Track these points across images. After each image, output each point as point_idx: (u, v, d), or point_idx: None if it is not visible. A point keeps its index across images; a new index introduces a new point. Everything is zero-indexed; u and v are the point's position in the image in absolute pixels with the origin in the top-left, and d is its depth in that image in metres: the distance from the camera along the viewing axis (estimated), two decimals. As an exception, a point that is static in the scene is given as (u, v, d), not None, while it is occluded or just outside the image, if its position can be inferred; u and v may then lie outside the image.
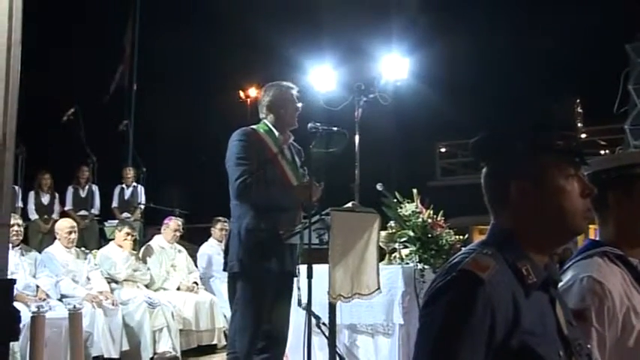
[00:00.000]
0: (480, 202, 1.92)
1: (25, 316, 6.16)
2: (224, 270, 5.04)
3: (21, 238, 7.47)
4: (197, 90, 15.46)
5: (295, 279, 4.90)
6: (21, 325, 5.83)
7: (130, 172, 11.40)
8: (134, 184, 11.36)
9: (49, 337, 6.37)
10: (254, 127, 5.12)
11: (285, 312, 5.10)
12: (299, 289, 4.73)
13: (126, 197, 11.38)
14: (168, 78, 14.49)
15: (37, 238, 10.18)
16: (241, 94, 18.78)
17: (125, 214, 11.08)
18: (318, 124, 5.06)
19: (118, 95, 12.12)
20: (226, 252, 4.96)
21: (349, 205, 5.10)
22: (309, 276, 4.65)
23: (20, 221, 7.57)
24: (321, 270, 4.68)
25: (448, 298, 1.67)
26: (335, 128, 5.16)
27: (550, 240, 1.81)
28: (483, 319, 1.61)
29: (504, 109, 2.03)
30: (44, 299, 6.85)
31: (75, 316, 3.35)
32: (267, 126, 5.13)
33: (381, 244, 5.64)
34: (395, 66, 10.35)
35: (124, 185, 11.48)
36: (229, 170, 4.88)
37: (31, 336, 3.11)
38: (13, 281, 2.17)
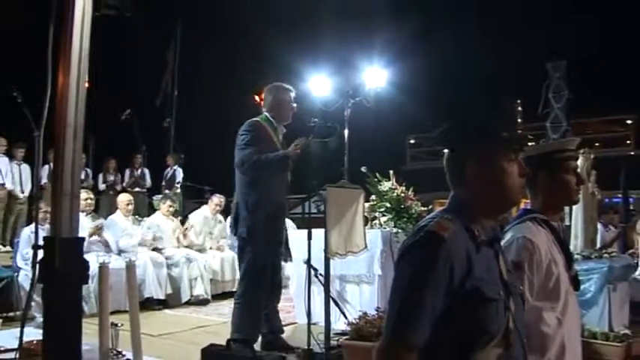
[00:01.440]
0: (441, 181, 1.92)
1: (94, 266, 6.26)
2: (234, 235, 4.97)
3: (92, 208, 7.46)
4: (222, 93, 15.31)
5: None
6: (91, 273, 5.87)
7: (170, 158, 11.45)
8: (175, 167, 11.35)
9: (113, 282, 6.42)
10: (257, 118, 5.05)
11: (280, 266, 5.12)
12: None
13: (168, 177, 11.36)
14: (201, 83, 14.37)
15: (105, 208, 10.17)
16: (256, 97, 18.67)
17: (167, 191, 11.06)
18: (316, 119, 5.12)
19: (164, 99, 12.06)
20: (236, 220, 4.84)
21: (341, 182, 5.08)
22: (309, 238, 4.70)
23: (92, 195, 7.56)
24: (319, 233, 4.71)
25: (417, 253, 1.66)
26: (329, 123, 5.22)
27: (495, 208, 1.80)
28: (444, 268, 1.61)
29: (462, 108, 2.03)
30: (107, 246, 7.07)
31: (130, 267, 3.35)
32: (268, 118, 5.06)
33: (365, 213, 5.67)
34: (376, 76, 10.26)
35: (168, 168, 11.47)
36: (239, 153, 4.74)
37: (99, 281, 3.11)
38: (83, 239, 2.17)
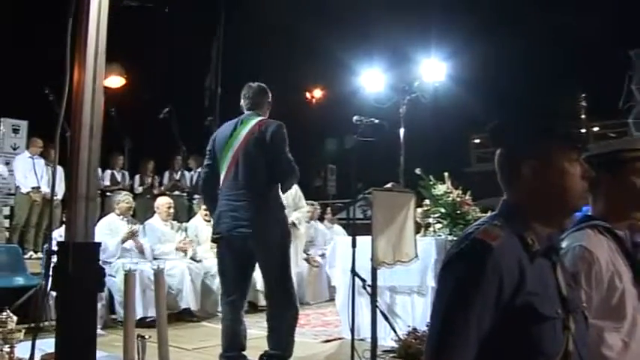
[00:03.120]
0: None
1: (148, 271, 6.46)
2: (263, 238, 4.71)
3: (131, 212, 7.62)
4: (271, 91, 15.49)
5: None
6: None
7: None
8: None
9: (145, 287, 6.57)
10: None
11: None
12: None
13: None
14: (245, 81, 14.51)
15: (141, 212, 10.36)
16: (307, 94, 18.73)
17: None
18: (362, 117, 5.02)
19: (206, 96, 12.19)
20: (260, 223, 4.55)
21: (389, 185, 5.01)
22: (354, 245, 4.67)
23: (130, 197, 7.70)
24: (365, 241, 4.66)
25: (461, 264, 1.62)
26: (376, 120, 5.10)
27: (553, 214, 1.72)
28: (492, 281, 1.55)
29: (521, 100, 1.94)
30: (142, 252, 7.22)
31: (159, 274, 3.36)
32: None
33: (417, 219, 5.60)
34: (434, 69, 10.18)
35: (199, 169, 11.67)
36: (285, 156, 4.56)
37: (124, 290, 3.13)
38: (99, 244, 2.17)
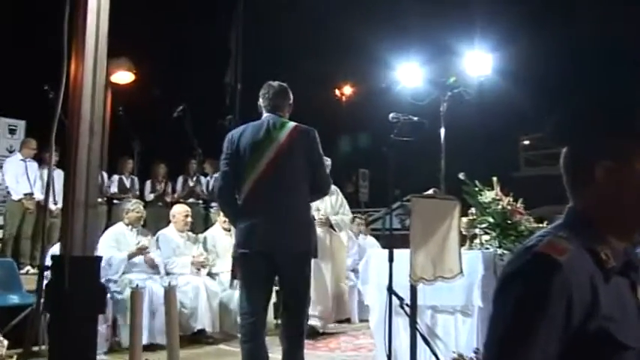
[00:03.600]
0: (563, 191, 1.75)
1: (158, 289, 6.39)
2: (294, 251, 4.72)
3: (142, 222, 7.61)
4: (296, 88, 15.48)
5: None
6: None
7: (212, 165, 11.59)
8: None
9: (155, 309, 6.53)
10: None
11: None
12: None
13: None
14: (267, 76, 14.53)
15: (152, 222, 10.38)
16: (337, 91, 18.72)
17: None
18: (399, 114, 5.01)
19: (227, 93, 12.22)
20: (295, 235, 4.61)
21: (430, 192, 4.95)
22: (390, 259, 4.62)
23: (141, 206, 7.68)
24: (402, 254, 4.61)
25: (522, 283, 1.53)
26: (415, 118, 5.06)
27: (631, 225, 1.64)
28: (559, 304, 1.47)
29: (588, 92, 1.82)
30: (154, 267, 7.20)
31: (170, 292, 3.30)
32: None
33: (462, 229, 5.47)
34: (478, 62, 10.04)
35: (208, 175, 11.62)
36: (324, 168, 4.75)
37: (130, 309, 3.07)
38: (100, 258, 2.09)
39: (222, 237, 8.14)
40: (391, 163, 4.74)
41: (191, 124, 9.86)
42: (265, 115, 4.78)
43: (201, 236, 8.42)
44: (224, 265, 7.79)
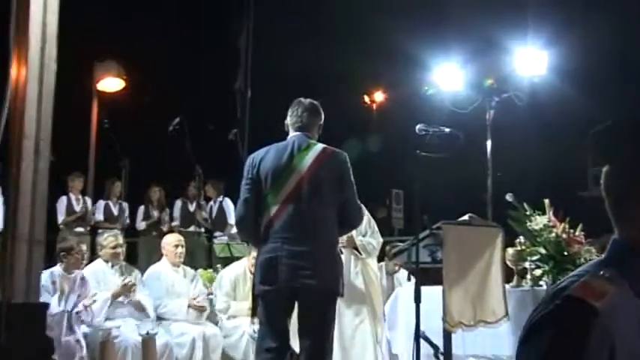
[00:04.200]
0: None
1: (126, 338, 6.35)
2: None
3: (122, 258, 7.56)
4: (318, 94, 15.49)
5: None
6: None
7: (211, 188, 11.55)
8: (219, 198, 11.40)
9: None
10: None
11: None
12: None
13: (214, 215, 11.49)
14: (284, 82, 14.60)
15: (146, 255, 10.41)
16: (366, 98, 18.73)
17: (219, 233, 11.21)
18: (428, 126, 5.02)
19: (237, 102, 12.26)
20: (320, 272, 4.79)
21: (465, 217, 4.92)
22: (417, 299, 4.59)
23: (121, 240, 7.66)
24: (434, 292, 4.63)
25: (550, 334, 1.52)
26: (447, 129, 5.05)
27: None
28: (598, 358, 1.46)
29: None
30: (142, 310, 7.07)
31: (148, 343, 3.25)
32: None
33: (508, 262, 5.54)
34: (531, 61, 9.94)
35: (210, 201, 11.68)
36: (356, 197, 4.92)
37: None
38: (45, 305, 2.05)
39: (247, 280, 7.90)
40: (416, 184, 4.72)
41: (190, 139, 9.85)
42: (291, 134, 4.96)
43: (218, 276, 8.32)
44: (239, 309, 7.66)
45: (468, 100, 9.85)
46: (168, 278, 7.64)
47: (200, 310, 7.55)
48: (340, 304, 6.56)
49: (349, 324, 6.71)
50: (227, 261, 9.42)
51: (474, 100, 9.71)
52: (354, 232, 7.43)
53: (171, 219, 11.34)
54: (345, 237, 7.26)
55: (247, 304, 7.19)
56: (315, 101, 5.10)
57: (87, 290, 6.81)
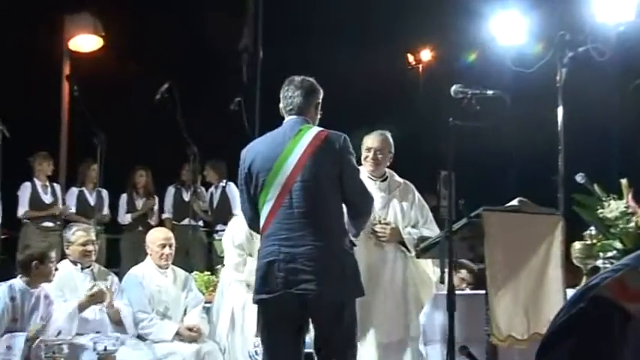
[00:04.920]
0: None
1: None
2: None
3: (93, 258, 7.56)
4: (348, 55, 15.50)
5: None
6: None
7: (210, 171, 11.59)
8: (222, 183, 11.59)
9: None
10: None
11: None
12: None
13: (216, 202, 11.65)
14: (305, 39, 14.59)
15: (130, 255, 10.44)
16: (410, 57, 18.71)
17: (220, 226, 11.13)
18: (466, 88, 5.09)
19: (242, 64, 12.22)
20: (323, 278, 5.00)
21: (514, 202, 4.85)
22: (451, 308, 4.66)
23: (93, 236, 7.66)
24: (476, 300, 4.81)
25: (570, 347, 1.58)
26: (490, 91, 5.08)
27: None
28: None
29: None
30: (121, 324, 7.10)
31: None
32: None
33: (574, 260, 5.66)
34: (615, 3, 9.79)
35: (212, 187, 11.82)
36: (361, 185, 5.27)
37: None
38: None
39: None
40: (449, 160, 4.69)
41: (181, 110, 9.82)
42: (285, 120, 5.31)
43: (200, 275, 8.38)
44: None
45: (534, 57, 9.74)
46: (153, 283, 7.62)
47: (193, 338, 7.51)
48: (376, 316, 6.55)
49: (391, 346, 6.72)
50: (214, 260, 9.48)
51: (540, 57, 9.59)
52: (399, 222, 7.35)
53: (162, 210, 11.42)
54: (388, 229, 7.17)
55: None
56: (308, 78, 5.35)
57: (50, 313, 6.83)
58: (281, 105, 5.32)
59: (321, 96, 5.40)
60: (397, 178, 6.59)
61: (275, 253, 4.97)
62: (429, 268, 7.41)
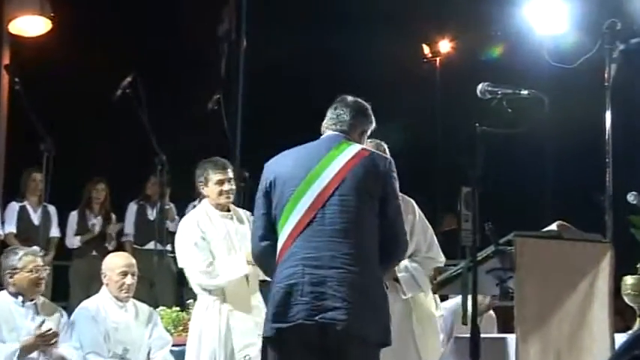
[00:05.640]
0: None
1: None
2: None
3: (41, 289, 7.55)
4: (351, 46, 15.59)
5: None
6: None
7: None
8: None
9: None
10: None
11: None
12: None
13: None
14: (302, 30, 14.67)
15: (81, 285, 10.43)
16: (426, 49, 18.79)
17: None
18: (495, 86, 5.10)
19: (222, 54, 12.21)
20: (362, 307, 4.97)
21: (552, 227, 4.86)
22: (475, 355, 4.64)
23: (40, 261, 7.65)
24: (505, 342, 4.82)
25: None
26: (524, 91, 5.09)
27: None
28: None
29: None
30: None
31: None
32: None
33: (625, 298, 5.60)
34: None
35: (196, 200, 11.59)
36: (401, 220, 5.28)
37: None
38: None
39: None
40: (474, 174, 4.70)
41: (145, 109, 9.82)
42: (324, 135, 5.39)
43: (167, 311, 8.40)
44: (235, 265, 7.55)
45: (577, 50, 9.78)
46: (110, 319, 7.61)
47: None
48: None
49: None
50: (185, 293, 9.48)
51: (585, 50, 9.64)
52: None
53: (120, 233, 11.41)
54: None
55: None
56: (362, 101, 5.43)
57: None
58: (325, 122, 5.40)
59: (372, 126, 5.48)
60: None
61: (298, 275, 4.95)
62: (432, 305, 7.50)
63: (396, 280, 6.83)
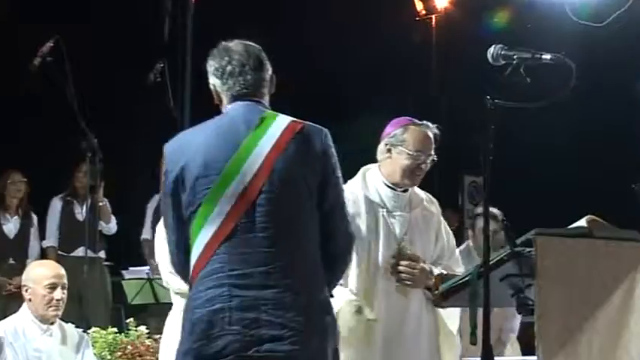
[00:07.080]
0: None
1: None
2: None
3: None
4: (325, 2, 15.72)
5: None
6: None
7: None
8: None
9: None
10: None
11: None
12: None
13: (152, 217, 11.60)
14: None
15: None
16: (418, 6, 18.91)
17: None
18: (510, 49, 5.09)
19: (165, 23, 12.23)
20: (295, 329, 4.87)
21: (581, 222, 4.96)
22: None
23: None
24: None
25: None
26: (547, 56, 5.12)
27: None
28: None
29: None
30: None
31: None
32: None
33: None
34: None
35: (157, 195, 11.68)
36: (340, 208, 5.15)
37: None
38: None
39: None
40: (485, 159, 4.75)
41: (74, 80, 9.85)
42: (229, 106, 5.13)
43: (100, 333, 8.46)
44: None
45: (607, 6, 9.90)
46: (31, 345, 7.68)
47: None
48: None
49: None
50: (148, 311, 9.51)
51: (617, 6, 9.76)
52: (423, 256, 7.36)
53: (43, 235, 11.45)
54: (418, 268, 7.19)
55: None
56: (251, 43, 5.21)
57: None
58: (217, 86, 5.14)
59: (270, 68, 5.25)
60: (417, 189, 6.61)
61: (224, 298, 4.77)
62: (454, 322, 7.55)
63: (428, 288, 6.87)
